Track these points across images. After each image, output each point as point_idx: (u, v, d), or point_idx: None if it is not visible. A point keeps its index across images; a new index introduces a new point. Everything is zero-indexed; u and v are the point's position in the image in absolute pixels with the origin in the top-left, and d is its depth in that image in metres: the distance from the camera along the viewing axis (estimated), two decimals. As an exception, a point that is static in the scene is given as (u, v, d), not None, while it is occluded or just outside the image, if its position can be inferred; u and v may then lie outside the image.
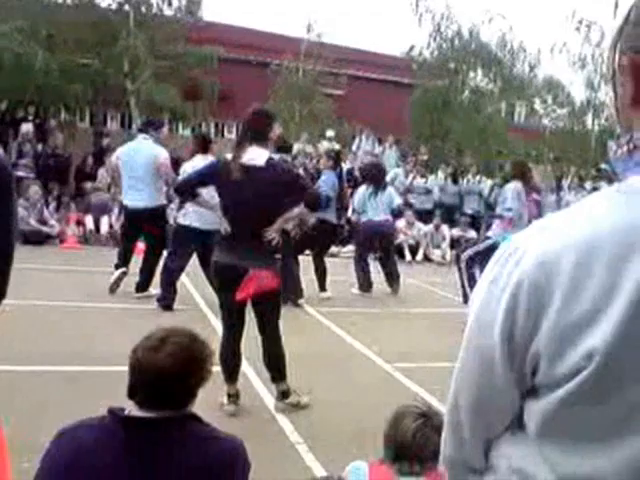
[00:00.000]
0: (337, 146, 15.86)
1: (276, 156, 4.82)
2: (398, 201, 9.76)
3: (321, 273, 8.57)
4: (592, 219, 0.97)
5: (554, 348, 0.95)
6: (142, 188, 7.57)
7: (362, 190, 9.42)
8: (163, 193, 7.97)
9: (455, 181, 15.50)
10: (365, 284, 9.12)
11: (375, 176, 9.40)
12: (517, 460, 1.04)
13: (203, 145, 7.60)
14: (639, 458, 0.91)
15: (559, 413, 0.96)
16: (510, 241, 1.05)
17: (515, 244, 1.03)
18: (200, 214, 6.57)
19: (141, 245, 8.19)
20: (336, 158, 8.93)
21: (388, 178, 14.63)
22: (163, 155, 7.84)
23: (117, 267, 7.80)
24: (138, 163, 7.58)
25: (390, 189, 9.64)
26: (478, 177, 15.79)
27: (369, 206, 9.15)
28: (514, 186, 7.71)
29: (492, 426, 1.10)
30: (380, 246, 9.32)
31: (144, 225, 7.73)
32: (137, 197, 7.59)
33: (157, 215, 7.77)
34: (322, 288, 8.55)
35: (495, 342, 1.01)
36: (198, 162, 6.81)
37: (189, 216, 7.09)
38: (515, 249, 1.01)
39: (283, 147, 8.54)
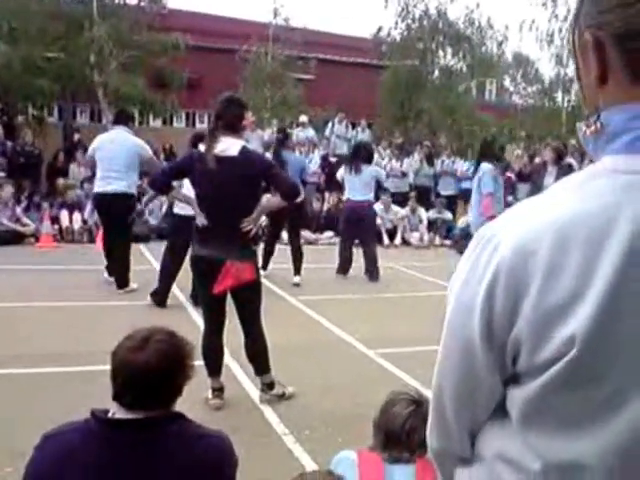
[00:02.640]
0: (311, 131, 15.80)
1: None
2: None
3: (297, 257, 8.59)
4: (567, 203, 0.96)
5: (534, 334, 0.94)
6: (116, 177, 7.57)
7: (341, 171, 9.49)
8: (135, 186, 7.92)
9: (430, 163, 15.51)
10: (341, 267, 9.19)
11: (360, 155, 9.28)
12: (502, 448, 1.04)
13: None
14: (623, 442, 0.92)
15: (542, 399, 0.96)
16: (487, 227, 1.05)
17: (492, 230, 1.02)
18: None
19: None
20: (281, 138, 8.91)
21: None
22: (148, 149, 8.07)
23: (109, 271, 7.89)
24: (117, 153, 7.59)
25: (370, 168, 9.41)
26: (452, 158, 15.81)
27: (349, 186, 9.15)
28: (489, 168, 7.73)
29: (476, 414, 1.09)
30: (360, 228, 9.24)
31: (112, 211, 7.67)
32: (108, 183, 7.59)
33: (126, 201, 7.72)
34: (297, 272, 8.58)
35: (475, 327, 1.00)
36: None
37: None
38: (492, 235, 1.01)
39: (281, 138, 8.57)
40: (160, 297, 7.04)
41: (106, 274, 7.94)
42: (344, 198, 9.47)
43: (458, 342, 1.05)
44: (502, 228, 1.01)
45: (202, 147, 4.38)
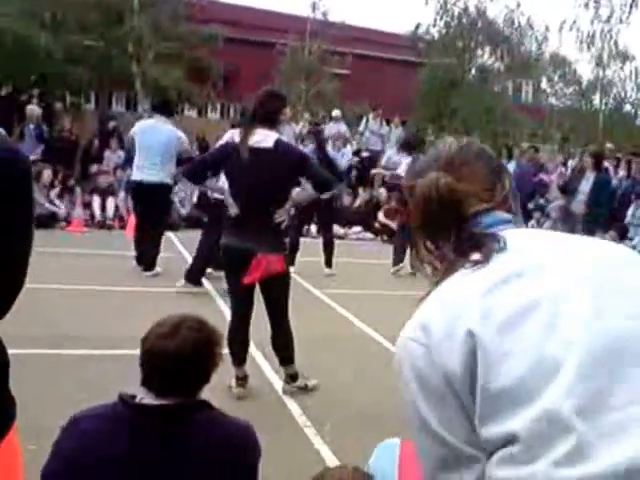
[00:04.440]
0: (344, 126, 15.76)
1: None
2: None
3: (328, 249, 8.72)
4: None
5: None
6: (154, 167, 7.67)
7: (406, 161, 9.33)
8: (172, 176, 8.00)
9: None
10: (398, 258, 9.15)
11: (410, 145, 9.29)
12: None
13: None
14: (566, 392, 1.02)
15: (482, 398, 1.08)
16: None
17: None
18: None
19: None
20: (316, 132, 8.91)
21: (384, 158, 14.60)
22: (186, 140, 8.19)
23: (138, 260, 7.94)
24: (156, 143, 7.68)
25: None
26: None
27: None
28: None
29: None
30: None
31: (149, 201, 7.77)
32: (148, 173, 7.68)
33: (164, 192, 7.90)
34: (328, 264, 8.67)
35: (438, 409, 1.18)
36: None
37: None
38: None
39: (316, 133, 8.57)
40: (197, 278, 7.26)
41: (134, 262, 8.02)
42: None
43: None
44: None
45: (236, 138, 4.39)
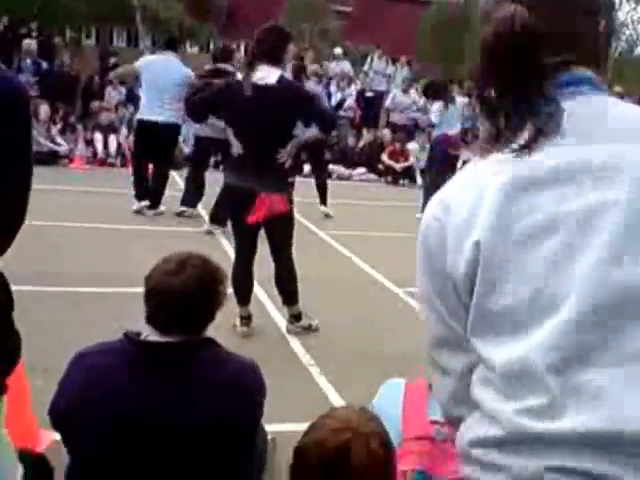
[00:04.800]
0: (347, 65, 15.50)
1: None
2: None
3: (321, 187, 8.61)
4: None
5: (453, 254, 1.08)
6: (167, 106, 7.54)
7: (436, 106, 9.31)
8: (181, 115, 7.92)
9: (470, 103, 15.16)
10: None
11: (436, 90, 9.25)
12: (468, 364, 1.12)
13: (224, 56, 7.69)
14: (551, 341, 0.97)
15: (475, 310, 1.05)
16: None
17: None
18: None
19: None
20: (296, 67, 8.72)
21: (389, 98, 14.38)
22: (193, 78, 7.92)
23: (139, 198, 7.85)
24: (169, 82, 7.52)
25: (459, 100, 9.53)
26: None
27: (442, 121, 9.07)
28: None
29: (453, 364, 1.16)
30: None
31: (159, 141, 7.68)
32: (159, 113, 7.56)
33: (175, 131, 7.86)
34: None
35: (429, 282, 1.16)
36: None
37: None
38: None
39: (297, 68, 8.37)
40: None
41: (137, 202, 7.90)
42: (436, 134, 9.24)
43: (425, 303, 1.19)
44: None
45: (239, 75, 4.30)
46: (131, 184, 8.03)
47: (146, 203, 7.82)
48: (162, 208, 7.88)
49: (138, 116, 8.04)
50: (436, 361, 1.18)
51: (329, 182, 8.95)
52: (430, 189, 8.81)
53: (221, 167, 7.78)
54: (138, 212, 7.76)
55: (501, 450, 1.00)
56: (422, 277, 1.16)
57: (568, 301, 0.96)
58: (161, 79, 7.55)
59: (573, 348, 0.95)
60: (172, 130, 7.75)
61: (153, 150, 7.84)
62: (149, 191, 7.89)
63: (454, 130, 9.02)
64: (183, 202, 7.88)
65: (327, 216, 8.51)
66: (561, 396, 0.95)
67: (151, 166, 8.03)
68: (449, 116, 9.06)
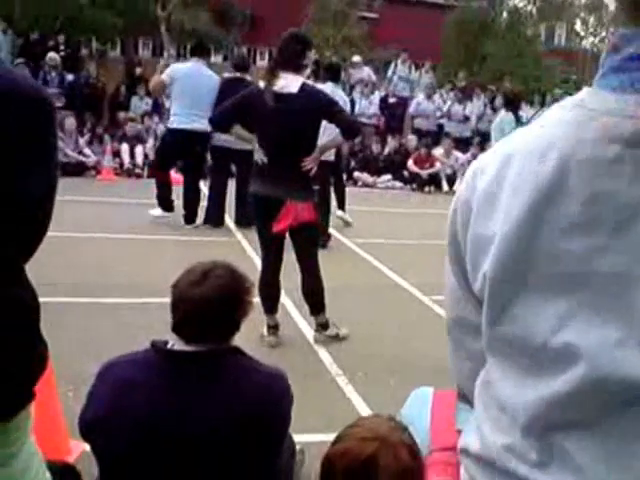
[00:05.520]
0: (366, 71, 15.42)
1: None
2: None
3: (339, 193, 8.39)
4: (523, 132, 0.95)
5: (471, 265, 0.96)
6: (201, 115, 7.34)
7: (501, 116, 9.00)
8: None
9: (494, 109, 15.08)
10: None
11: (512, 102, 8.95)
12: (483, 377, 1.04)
13: (242, 66, 7.65)
14: (559, 396, 0.87)
15: (486, 334, 0.96)
16: None
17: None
18: None
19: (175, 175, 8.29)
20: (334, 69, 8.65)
21: (413, 105, 14.28)
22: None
23: (165, 208, 7.81)
24: (202, 90, 7.47)
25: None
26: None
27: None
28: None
29: (469, 345, 1.08)
30: None
31: (194, 150, 7.69)
32: (194, 121, 7.43)
33: (207, 139, 7.73)
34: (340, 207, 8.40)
35: (450, 256, 1.04)
36: None
37: None
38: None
39: (331, 70, 8.32)
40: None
41: (159, 210, 7.84)
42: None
43: (450, 273, 1.07)
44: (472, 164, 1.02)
45: (261, 83, 4.31)
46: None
47: (166, 214, 7.78)
48: (198, 222, 7.82)
49: (172, 125, 7.76)
50: (457, 341, 1.12)
51: (356, 190, 8.91)
52: None
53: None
54: (158, 218, 7.75)
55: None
56: (448, 250, 1.06)
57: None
58: (194, 87, 7.46)
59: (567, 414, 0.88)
60: (206, 138, 7.64)
61: (187, 160, 7.85)
62: (185, 204, 7.82)
63: None
64: (207, 219, 7.87)
65: (346, 223, 8.32)
66: (546, 456, 0.90)
67: (173, 175, 8.04)
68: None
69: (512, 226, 0.87)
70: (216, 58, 20.10)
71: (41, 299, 1.51)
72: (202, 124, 7.37)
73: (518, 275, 0.88)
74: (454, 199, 1.03)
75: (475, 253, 0.94)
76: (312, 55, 4.52)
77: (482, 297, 0.94)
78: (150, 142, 12.02)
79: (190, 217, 7.78)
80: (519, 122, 8.42)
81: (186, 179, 7.91)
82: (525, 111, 14.94)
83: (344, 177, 9.22)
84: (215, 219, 7.81)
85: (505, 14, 21.11)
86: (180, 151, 7.78)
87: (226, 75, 8.19)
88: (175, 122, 7.67)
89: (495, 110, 15.00)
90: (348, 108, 9.13)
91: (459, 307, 1.06)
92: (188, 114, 7.48)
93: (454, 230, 1.01)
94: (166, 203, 7.82)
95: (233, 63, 8.42)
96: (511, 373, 0.93)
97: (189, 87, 7.48)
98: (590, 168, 0.83)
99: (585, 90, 0.89)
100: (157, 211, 7.83)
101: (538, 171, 0.86)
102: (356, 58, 15.77)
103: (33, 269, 1.51)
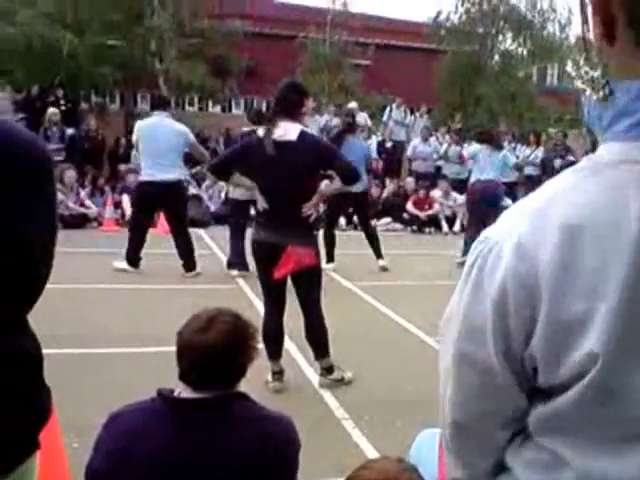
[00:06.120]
0: (362, 117, 15.63)
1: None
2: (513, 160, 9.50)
3: (373, 241, 8.61)
4: (573, 199, 0.86)
5: (549, 351, 0.87)
6: (167, 164, 7.58)
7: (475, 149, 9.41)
8: (182, 171, 8.05)
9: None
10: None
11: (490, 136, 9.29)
12: (533, 458, 0.97)
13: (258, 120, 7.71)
14: None
15: (568, 416, 0.89)
16: (485, 234, 0.96)
17: (492, 237, 0.93)
18: None
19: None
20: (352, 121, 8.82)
21: (410, 148, 14.45)
22: (190, 134, 8.08)
23: (131, 262, 7.79)
24: (164, 141, 7.60)
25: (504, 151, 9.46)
26: (513, 144, 15.50)
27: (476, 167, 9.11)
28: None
29: (498, 439, 1.03)
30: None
31: (164, 201, 7.74)
32: (160, 171, 7.55)
33: (179, 188, 7.86)
34: (378, 255, 8.56)
35: (490, 351, 0.93)
36: None
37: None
38: (494, 242, 0.92)
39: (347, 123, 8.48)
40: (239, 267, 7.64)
41: (124, 263, 7.82)
42: (473, 180, 9.26)
43: (473, 370, 0.98)
44: (503, 233, 0.91)
45: (260, 131, 4.39)
46: (161, 245, 8.12)
47: (130, 268, 7.76)
48: (199, 270, 7.83)
49: (141, 179, 7.93)
50: (473, 433, 1.05)
51: (357, 233, 8.98)
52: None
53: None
54: (120, 270, 7.71)
55: None
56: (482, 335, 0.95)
57: None
58: (154, 140, 7.60)
59: None
60: (176, 187, 7.74)
61: (165, 211, 7.96)
62: (178, 254, 7.85)
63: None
64: (230, 265, 7.93)
65: (384, 269, 8.47)
66: None
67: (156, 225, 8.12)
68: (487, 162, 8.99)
69: (617, 298, 0.80)
70: (214, 109, 20.39)
71: (45, 351, 1.52)
72: (170, 174, 7.54)
73: (631, 347, 0.82)
74: (493, 277, 0.91)
75: (561, 335, 0.85)
76: (310, 103, 4.60)
77: (569, 379, 0.86)
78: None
79: (187, 265, 7.78)
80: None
81: (171, 230, 7.94)
82: (520, 151, 15.14)
83: (343, 222, 9.30)
84: (237, 265, 7.85)
85: (497, 57, 21.45)
86: (152, 203, 7.86)
87: (244, 129, 8.39)
88: (143, 175, 7.87)
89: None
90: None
91: (494, 399, 0.98)
92: (152, 166, 7.61)
93: (503, 312, 0.89)
94: (133, 258, 7.80)
95: (250, 117, 8.65)
96: (606, 449, 0.87)
97: (149, 140, 7.66)
98: None
99: (617, 145, 0.87)
100: (122, 263, 7.80)
101: (622, 237, 0.81)
102: (352, 104, 15.98)
103: (37, 320, 1.52)
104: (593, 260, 0.82)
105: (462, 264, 1.05)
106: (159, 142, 7.60)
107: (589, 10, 0.87)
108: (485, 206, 8.49)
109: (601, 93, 0.88)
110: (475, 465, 1.08)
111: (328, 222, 8.70)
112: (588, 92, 0.92)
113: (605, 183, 0.84)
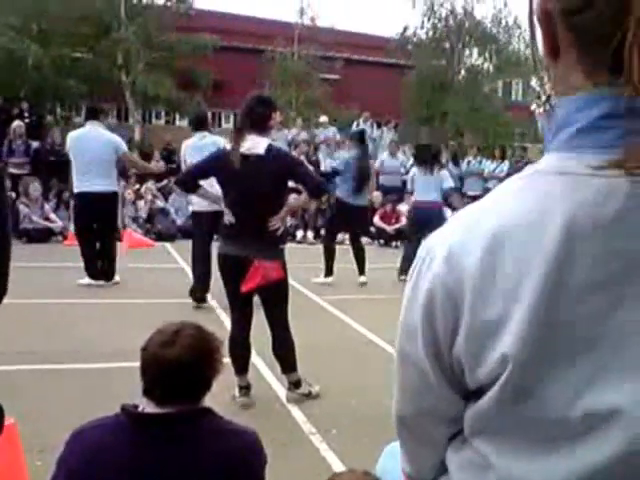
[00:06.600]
0: (332, 131, 15.77)
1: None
2: (450, 184, 9.49)
3: (361, 256, 8.68)
4: (499, 206, 0.90)
5: (471, 351, 0.90)
6: (99, 175, 7.51)
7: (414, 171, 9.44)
8: (116, 181, 8.03)
9: (456, 163, 15.40)
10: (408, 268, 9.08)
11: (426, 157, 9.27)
12: (464, 461, 1.01)
13: (197, 122, 7.57)
14: (587, 471, 0.84)
15: (490, 418, 0.92)
16: (425, 242, 0.99)
17: (428, 245, 0.97)
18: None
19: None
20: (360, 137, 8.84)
21: (377, 162, 14.58)
22: (123, 143, 8.07)
23: (93, 276, 7.72)
24: (96, 151, 7.53)
25: (443, 171, 9.43)
26: (479, 158, 15.69)
27: (418, 187, 9.09)
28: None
29: (436, 436, 1.07)
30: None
31: (100, 211, 7.66)
32: (93, 183, 7.50)
33: (113, 199, 7.86)
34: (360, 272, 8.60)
35: (421, 352, 0.97)
36: (194, 140, 7.20)
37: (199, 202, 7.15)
38: (428, 249, 0.96)
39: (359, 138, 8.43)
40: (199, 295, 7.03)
41: (87, 278, 7.75)
42: (413, 199, 9.32)
43: (413, 367, 1.01)
44: (437, 242, 0.95)
45: (227, 145, 4.38)
46: (130, 258, 8.05)
47: (99, 283, 7.71)
48: (117, 278, 7.81)
49: (75, 190, 7.82)
50: (414, 429, 1.10)
51: (318, 247, 9.01)
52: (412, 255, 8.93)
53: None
54: (85, 285, 7.65)
55: None
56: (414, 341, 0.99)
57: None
58: (83, 150, 7.55)
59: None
60: (110, 198, 7.70)
61: (96, 221, 7.80)
62: (102, 264, 7.79)
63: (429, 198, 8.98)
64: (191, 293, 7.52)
65: (363, 284, 8.50)
66: None
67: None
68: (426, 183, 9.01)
69: (529, 302, 0.83)
70: (181, 122, 20.30)
71: (7, 367, 1.49)
72: (100, 185, 7.48)
73: (542, 350, 0.85)
74: (424, 282, 0.95)
75: (479, 337, 0.88)
76: (277, 116, 4.60)
77: (488, 380, 0.90)
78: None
79: (109, 274, 7.76)
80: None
81: (100, 239, 7.85)
82: (486, 166, 15.33)
83: (309, 235, 9.31)
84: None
85: (463, 72, 21.72)
86: (89, 214, 7.75)
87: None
88: (75, 187, 7.78)
89: (457, 165, 15.34)
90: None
91: (430, 397, 1.01)
92: (82, 177, 7.56)
93: (430, 316, 0.94)
94: (92, 271, 7.74)
95: (190, 122, 8.64)
96: (525, 452, 0.89)
97: (79, 151, 7.61)
98: (595, 229, 0.82)
99: (555, 156, 0.89)
100: (85, 279, 7.74)
101: (543, 243, 0.83)
102: (323, 118, 16.12)
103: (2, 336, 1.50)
104: (513, 266, 0.85)
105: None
106: (88, 152, 7.52)
107: (537, 27, 0.90)
108: (427, 230, 8.58)
109: (546, 107, 0.93)
110: (418, 461, 1.13)
111: (328, 236, 8.71)
112: (533, 106, 0.96)
113: (538, 193, 0.87)
